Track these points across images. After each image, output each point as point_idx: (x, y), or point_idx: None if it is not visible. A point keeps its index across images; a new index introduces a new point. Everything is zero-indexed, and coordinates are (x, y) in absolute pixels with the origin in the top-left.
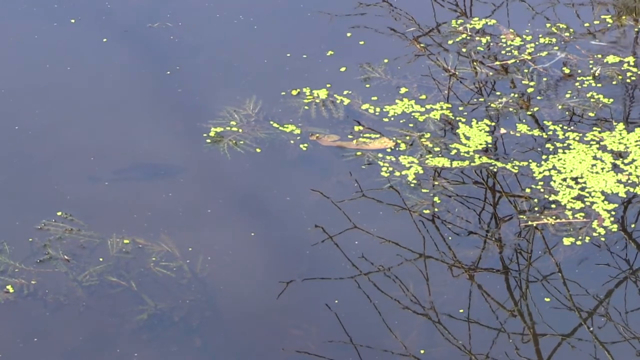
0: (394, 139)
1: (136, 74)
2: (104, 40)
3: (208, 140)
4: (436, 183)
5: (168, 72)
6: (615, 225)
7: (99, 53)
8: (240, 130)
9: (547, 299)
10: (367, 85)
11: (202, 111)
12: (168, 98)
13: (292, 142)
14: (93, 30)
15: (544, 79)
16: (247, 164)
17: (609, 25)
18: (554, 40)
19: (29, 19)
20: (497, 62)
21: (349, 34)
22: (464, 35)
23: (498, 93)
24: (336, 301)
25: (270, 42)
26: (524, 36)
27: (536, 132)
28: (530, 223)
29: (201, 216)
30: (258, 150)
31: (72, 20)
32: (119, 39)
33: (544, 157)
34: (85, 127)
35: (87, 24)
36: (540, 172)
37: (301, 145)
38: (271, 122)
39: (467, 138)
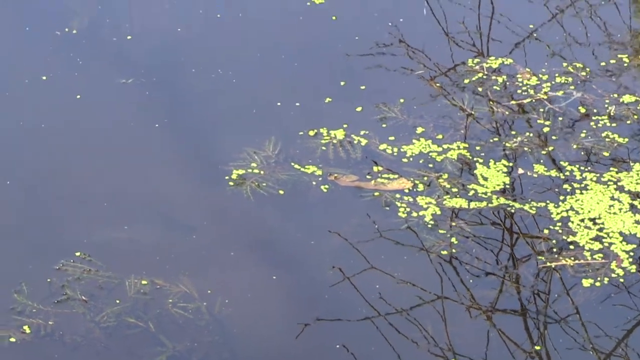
0: (412, 179)
1: (129, 126)
2: (77, 96)
3: (230, 183)
4: (454, 224)
5: (157, 125)
6: (634, 266)
7: (78, 109)
8: (261, 172)
9: (538, 347)
10: (384, 125)
11: (221, 154)
12: (181, 144)
13: (313, 183)
14: (65, 86)
15: (560, 118)
16: (270, 206)
17: (625, 64)
18: (570, 79)
19: None
20: (513, 102)
21: (341, 79)
22: (480, 75)
23: (514, 132)
24: (354, 343)
25: (267, 89)
26: (540, 75)
27: (553, 173)
28: (548, 264)
29: (222, 258)
30: (281, 192)
31: (44, 77)
32: (94, 95)
33: (561, 197)
34: (105, 171)
35: (59, 80)
36: (558, 213)
37: (322, 187)
38: (292, 164)
39: (485, 179)
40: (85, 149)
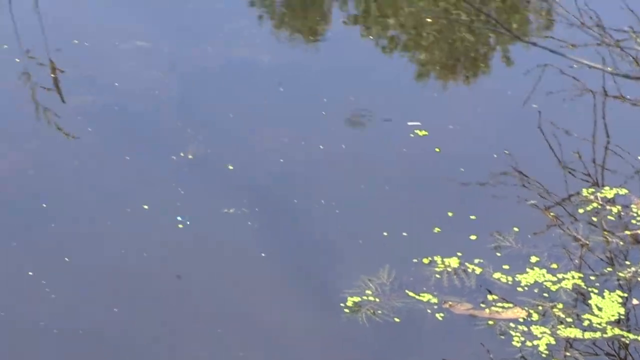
0: (526, 308)
1: (235, 255)
2: (180, 226)
3: (346, 310)
4: (568, 354)
5: (263, 254)
6: None
7: (182, 235)
8: (377, 300)
9: None
10: (498, 254)
11: (334, 282)
12: (291, 272)
13: (428, 311)
14: (168, 214)
15: None
16: (386, 334)
17: None
18: None
19: (96, 204)
20: (628, 232)
21: (449, 210)
22: (594, 205)
23: (628, 263)
24: None
25: (372, 220)
26: None
27: None
28: None
29: None
30: (397, 319)
31: (145, 207)
32: (196, 224)
33: None
34: (216, 299)
35: (161, 208)
36: None
37: (437, 315)
38: (407, 291)
39: (599, 309)
40: (192, 278)
